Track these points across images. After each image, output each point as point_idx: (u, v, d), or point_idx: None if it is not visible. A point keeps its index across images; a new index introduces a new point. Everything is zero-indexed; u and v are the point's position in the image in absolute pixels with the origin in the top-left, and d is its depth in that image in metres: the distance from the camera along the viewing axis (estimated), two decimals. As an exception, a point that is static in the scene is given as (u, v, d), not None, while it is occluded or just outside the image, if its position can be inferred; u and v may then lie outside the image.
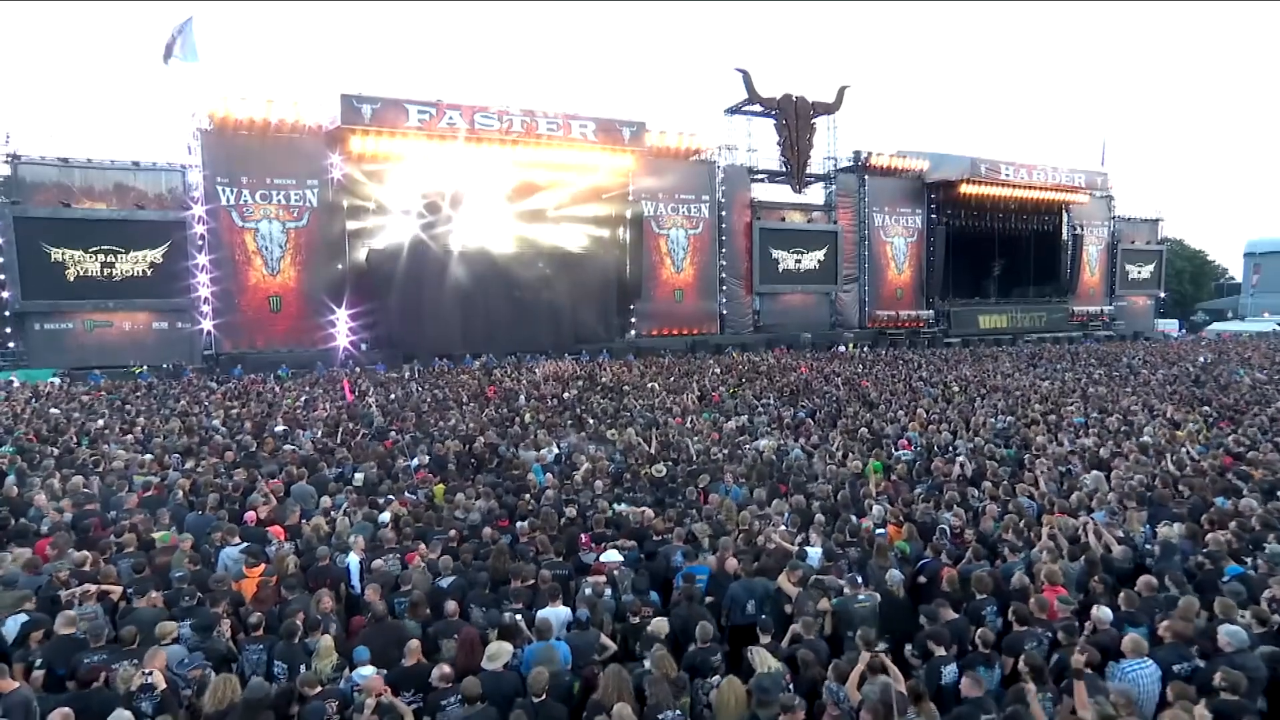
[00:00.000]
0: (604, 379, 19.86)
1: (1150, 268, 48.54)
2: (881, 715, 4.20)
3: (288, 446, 11.94)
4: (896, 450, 11.46)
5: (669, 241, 33.80)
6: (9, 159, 23.80)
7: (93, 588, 6.19)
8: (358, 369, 24.56)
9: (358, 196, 27.81)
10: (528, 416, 14.16)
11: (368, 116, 26.11)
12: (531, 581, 6.35)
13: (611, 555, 6.71)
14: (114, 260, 24.93)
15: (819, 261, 37.32)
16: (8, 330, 24.08)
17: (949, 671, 5.12)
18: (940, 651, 5.24)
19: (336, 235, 27.36)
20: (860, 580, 6.13)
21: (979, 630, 5.30)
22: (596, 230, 32.43)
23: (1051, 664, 4.96)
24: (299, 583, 6.39)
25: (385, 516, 7.98)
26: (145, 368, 23.85)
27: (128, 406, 16.37)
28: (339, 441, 12.28)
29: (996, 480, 9.37)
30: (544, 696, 4.57)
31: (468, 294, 28.67)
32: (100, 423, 14.22)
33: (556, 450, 11.62)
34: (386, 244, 28.52)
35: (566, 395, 16.96)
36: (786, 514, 8.13)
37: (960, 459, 10.49)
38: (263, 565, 6.93)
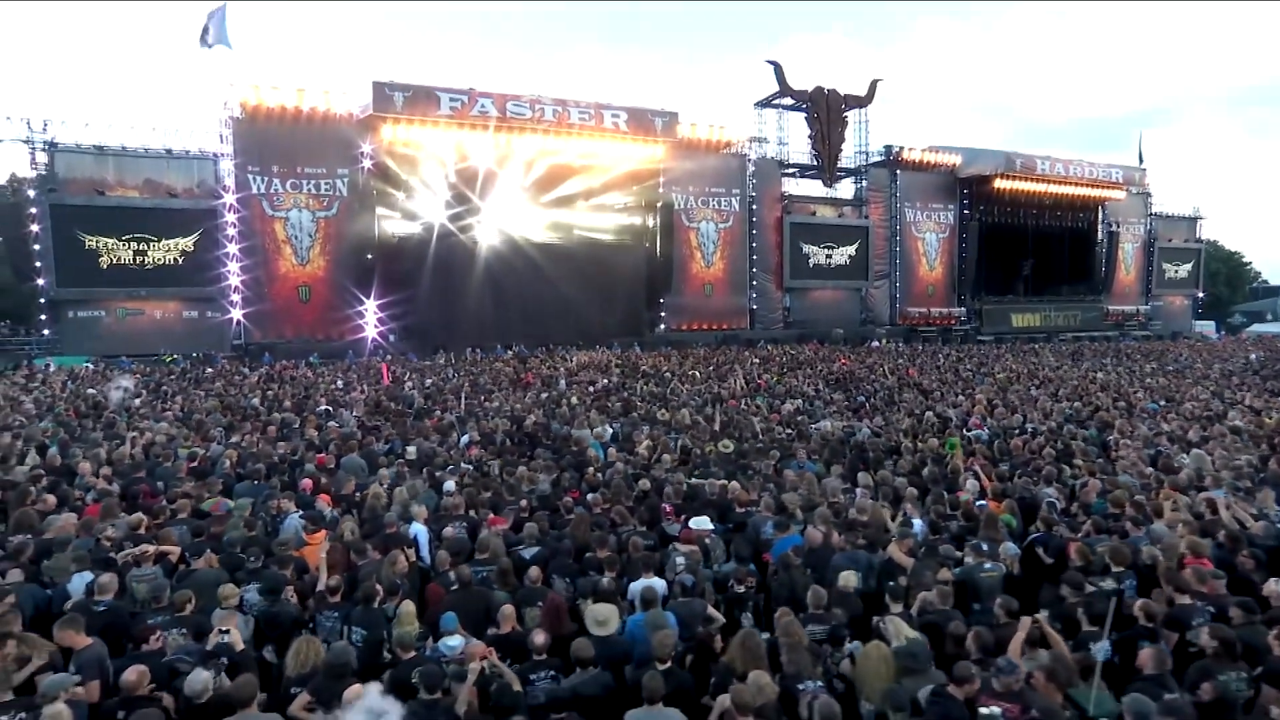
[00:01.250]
0: (643, 367, 19.39)
1: (1188, 267, 47.34)
2: (1062, 683, 3.69)
3: (331, 423, 11.59)
4: (968, 431, 10.89)
5: (699, 235, 33.31)
6: (45, 147, 23.78)
7: (151, 549, 5.81)
8: (389, 355, 24.26)
9: (388, 185, 27.55)
10: (574, 399, 13.72)
11: (399, 104, 25.86)
12: (611, 552, 5.91)
13: (702, 522, 6.22)
14: (146, 248, 24.86)
15: (850, 257, 36.67)
16: (42, 317, 24.04)
17: (1101, 648, 4.59)
18: (1087, 626, 4.71)
19: (366, 225, 27.10)
20: (984, 549, 5.59)
21: (1140, 603, 4.75)
22: (627, 222, 32.09)
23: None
24: (364, 549, 6.00)
25: (450, 485, 7.54)
26: (177, 356, 23.71)
27: (164, 388, 16.15)
28: (384, 419, 11.94)
29: (1088, 458, 8.81)
30: (669, 663, 4.08)
31: (497, 285, 28.33)
32: (137, 402, 13.99)
33: (611, 429, 11.15)
34: (416, 233, 28.27)
35: (607, 381, 16.51)
36: (873, 488, 7.64)
37: (1039, 438, 9.93)
38: (323, 531, 6.59)
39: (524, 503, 7.14)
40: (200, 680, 3.86)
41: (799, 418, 11.99)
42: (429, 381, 17.21)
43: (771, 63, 33.83)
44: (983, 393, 14.69)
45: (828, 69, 33.90)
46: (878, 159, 37.05)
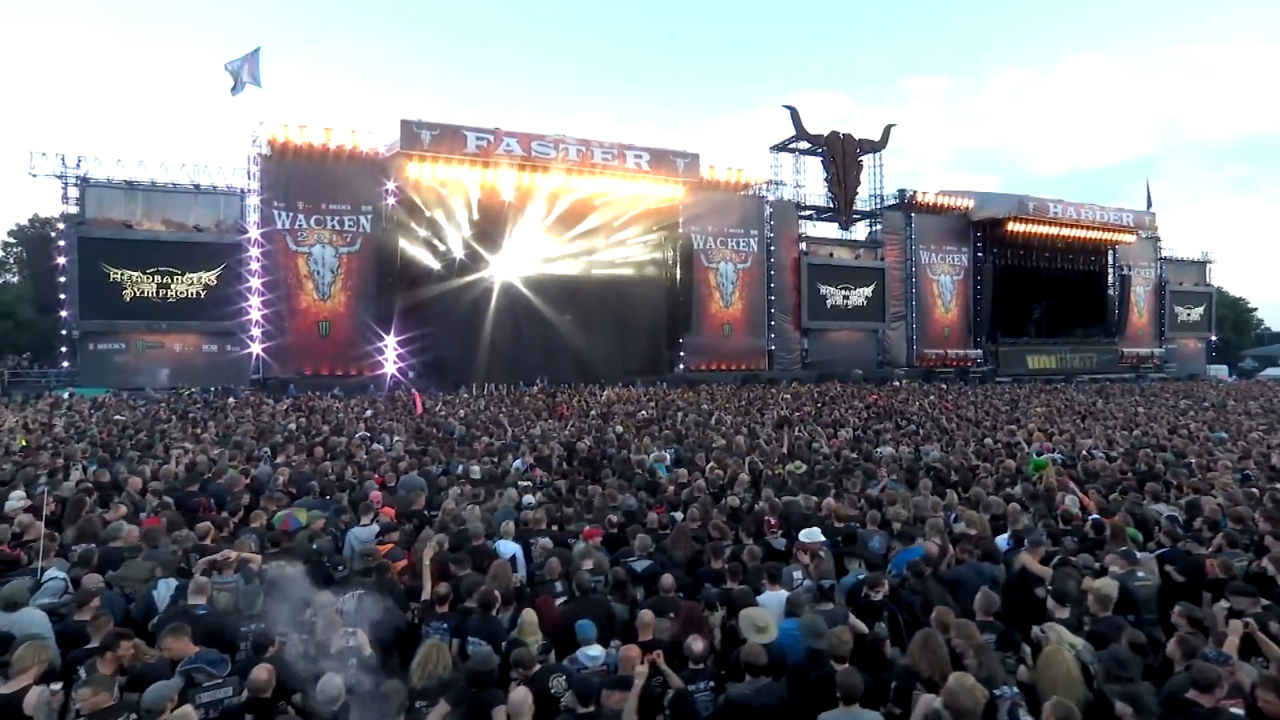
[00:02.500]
0: (678, 401, 19.07)
1: (1200, 310, 47.45)
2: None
3: (377, 446, 11.24)
4: (1038, 455, 10.53)
5: (718, 275, 33.39)
6: (78, 182, 23.95)
7: (232, 555, 5.42)
8: (411, 389, 23.94)
9: (411, 222, 27.70)
10: (619, 428, 13.36)
11: (426, 142, 26.15)
12: (724, 564, 5.54)
13: (814, 534, 5.85)
14: (170, 281, 24.80)
15: (866, 298, 36.71)
16: (63, 350, 23.79)
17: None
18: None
19: (388, 261, 27.11)
20: (1135, 558, 5.22)
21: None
22: (647, 261, 32.15)
23: None
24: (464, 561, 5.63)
25: (530, 499, 7.18)
26: (194, 390, 23.36)
27: (190, 415, 15.80)
28: (428, 444, 11.58)
29: (1179, 478, 8.47)
30: (846, 664, 3.69)
31: (518, 323, 28.24)
32: (166, 426, 13.66)
33: (668, 455, 10.79)
34: (438, 269, 28.28)
35: (646, 413, 16.17)
36: (971, 505, 7.29)
37: (1118, 461, 9.59)
38: (391, 544, 6.19)
39: (611, 518, 6.77)
40: (335, 686, 3.48)
41: (861, 444, 11.64)
42: (462, 412, 16.87)
43: (788, 107, 34.56)
44: (1034, 422, 14.35)
45: (841, 115, 34.45)
46: (892, 202, 37.45)
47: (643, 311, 31.08)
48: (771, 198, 34.69)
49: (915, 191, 37.69)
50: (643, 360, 30.72)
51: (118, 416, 15.04)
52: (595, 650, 4.09)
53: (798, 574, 5.48)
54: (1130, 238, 41.80)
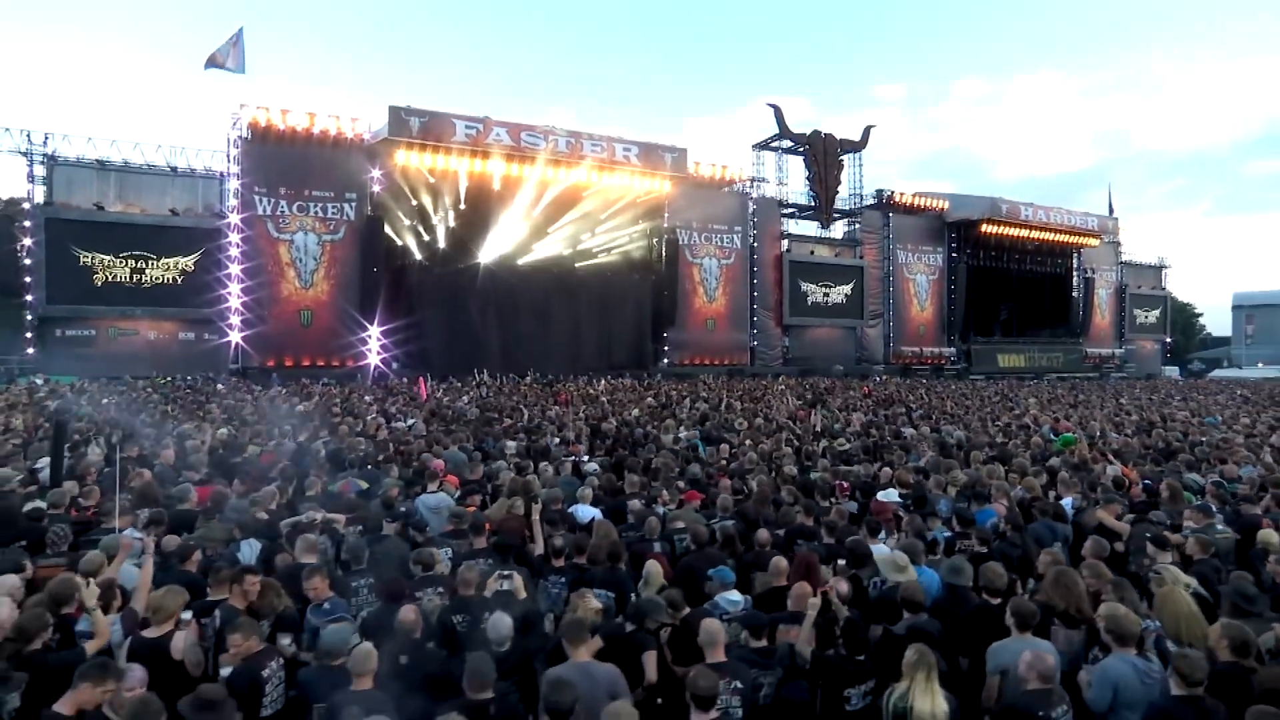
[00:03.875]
0: (673, 393, 19.10)
1: (1156, 313, 49.49)
2: None
3: (401, 425, 11.02)
4: (1052, 435, 10.87)
5: (702, 270, 33.56)
6: (45, 160, 22.89)
7: (319, 515, 5.28)
8: (395, 377, 23.52)
9: (396, 211, 27.21)
10: (635, 411, 13.33)
11: (415, 129, 25.73)
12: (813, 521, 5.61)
13: (891, 495, 5.96)
14: (145, 266, 23.89)
15: (846, 296, 37.33)
16: (28, 335, 22.69)
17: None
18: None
19: (372, 250, 26.57)
20: (1211, 510, 5.43)
21: None
22: (633, 254, 32.15)
23: None
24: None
25: (594, 466, 7.15)
26: (177, 378, 22.48)
27: (181, 399, 15.25)
28: (449, 425, 11.39)
29: (1203, 452, 8.83)
30: (999, 599, 3.78)
31: (504, 314, 27.98)
32: (167, 408, 13.17)
33: (697, 433, 10.82)
34: (423, 261, 27.84)
35: (653, 400, 16.16)
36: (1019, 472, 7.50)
37: (1136, 438, 9.95)
38: (473, 507, 6.11)
39: (680, 484, 6.77)
40: (505, 625, 3.42)
41: (874, 427, 11.83)
42: (464, 399, 16.61)
43: (772, 105, 34.93)
44: (1034, 409, 14.77)
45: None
46: (870, 202, 38.15)
47: (628, 305, 31.10)
48: (755, 195, 35.02)
49: (892, 192, 38.45)
50: (628, 353, 30.71)
51: (105, 400, 14.41)
52: (735, 595, 4.09)
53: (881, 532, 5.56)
54: (1095, 241, 43.38)
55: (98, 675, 2.85)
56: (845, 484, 6.50)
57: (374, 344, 26.59)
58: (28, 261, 22.39)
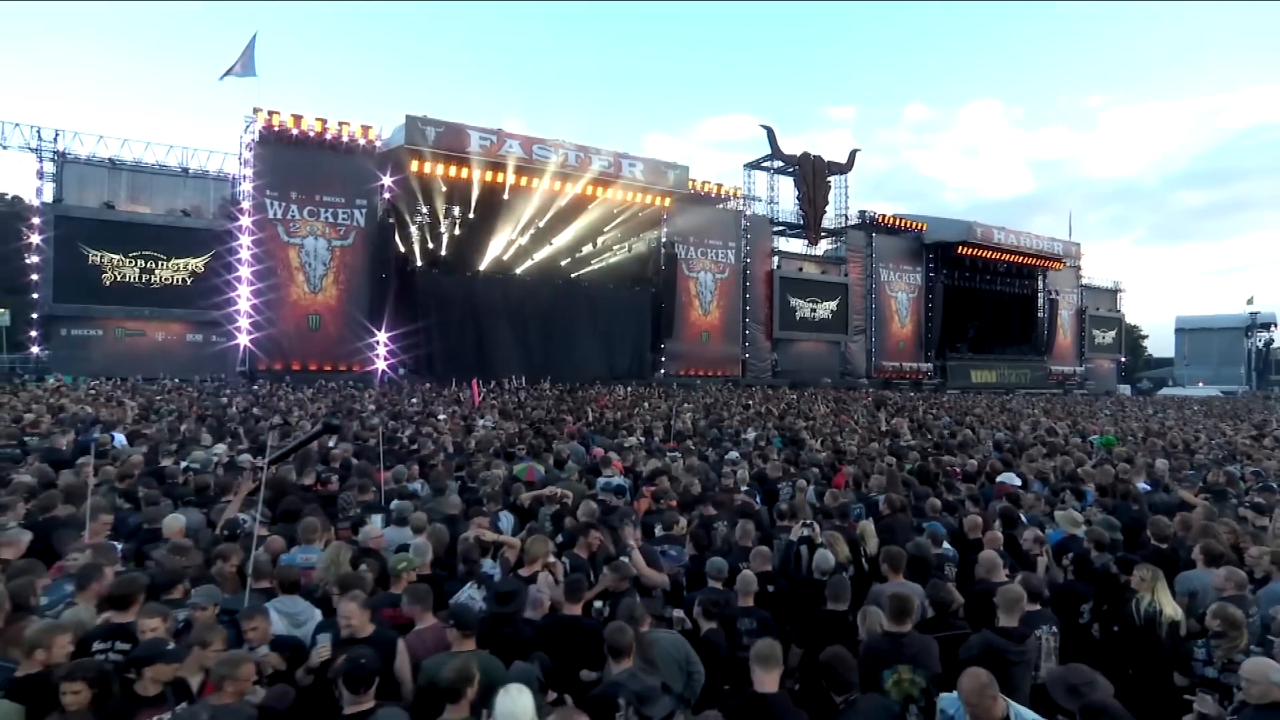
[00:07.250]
0: (687, 402, 19.90)
1: (1112, 334, 52.45)
2: None
3: (482, 422, 11.54)
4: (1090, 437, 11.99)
5: (698, 284, 34.54)
6: (54, 157, 22.61)
7: (557, 491, 5.92)
8: (411, 382, 23.69)
9: (406, 219, 27.49)
10: (689, 413, 14.06)
11: (431, 138, 26.09)
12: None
13: (1010, 478, 6.85)
14: (154, 267, 23.70)
15: (831, 311, 38.77)
16: (33, 334, 22.26)
17: None
18: None
19: (381, 256, 26.80)
20: (1275, 489, 6.44)
21: None
22: (634, 267, 32.94)
23: None
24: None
25: (735, 455, 7.88)
26: (176, 380, 22.31)
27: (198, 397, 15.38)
28: (522, 426, 11.96)
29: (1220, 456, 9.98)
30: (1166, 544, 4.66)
31: (510, 323, 28.41)
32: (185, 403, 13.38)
33: (754, 434, 11.61)
34: (431, 268, 28.11)
35: (692, 406, 16.92)
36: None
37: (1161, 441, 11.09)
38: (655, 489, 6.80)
39: (814, 470, 7.56)
40: (828, 561, 4.17)
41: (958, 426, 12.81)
42: (494, 404, 17.09)
43: (765, 127, 36.29)
44: (1043, 418, 15.98)
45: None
46: (855, 222, 39.80)
47: (629, 315, 31.82)
48: (748, 212, 36.26)
49: (876, 214, 40.20)
50: (629, 363, 31.41)
51: (126, 400, 14.44)
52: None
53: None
54: (1060, 265, 45.93)
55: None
56: (958, 469, 7.37)
57: (381, 349, 26.73)
58: (35, 259, 22.03)
